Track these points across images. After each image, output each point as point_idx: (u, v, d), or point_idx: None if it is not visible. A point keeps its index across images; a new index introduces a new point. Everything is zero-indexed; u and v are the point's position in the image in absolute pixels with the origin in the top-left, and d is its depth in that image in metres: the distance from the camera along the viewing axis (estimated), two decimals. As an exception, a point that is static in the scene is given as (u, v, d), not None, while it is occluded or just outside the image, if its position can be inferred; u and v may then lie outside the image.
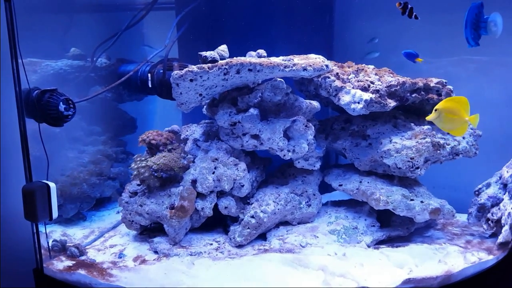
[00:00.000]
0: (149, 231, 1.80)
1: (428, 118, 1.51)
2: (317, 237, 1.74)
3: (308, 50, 1.93)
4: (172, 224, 1.61)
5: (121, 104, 2.39)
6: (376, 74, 1.79)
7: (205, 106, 1.88)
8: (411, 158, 1.67)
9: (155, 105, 2.67)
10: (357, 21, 2.50)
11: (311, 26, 2.33)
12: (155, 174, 1.61)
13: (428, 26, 2.21)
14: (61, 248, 1.68)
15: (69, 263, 1.61)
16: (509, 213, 1.73)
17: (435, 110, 1.49)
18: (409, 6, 1.59)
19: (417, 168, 1.68)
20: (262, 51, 1.86)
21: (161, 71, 1.90)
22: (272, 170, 2.03)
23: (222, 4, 2.25)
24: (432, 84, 1.78)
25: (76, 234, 1.89)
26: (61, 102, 1.56)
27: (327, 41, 2.43)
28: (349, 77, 1.78)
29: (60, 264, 1.61)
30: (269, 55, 1.82)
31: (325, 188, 2.08)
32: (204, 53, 1.63)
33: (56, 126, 1.59)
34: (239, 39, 2.15)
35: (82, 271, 1.55)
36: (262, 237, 1.80)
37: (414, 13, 1.60)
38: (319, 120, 2.05)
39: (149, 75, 1.94)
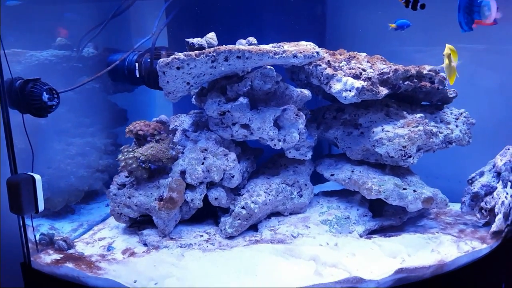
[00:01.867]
0: (139, 223, 1.78)
1: (446, 65, 1.57)
2: (309, 227, 1.72)
3: (300, 39, 1.89)
4: (161, 216, 1.58)
5: (111, 95, 2.34)
6: (368, 62, 1.75)
7: (194, 96, 1.85)
8: (403, 147, 1.64)
9: (147, 96, 2.62)
10: (350, 9, 2.46)
11: (304, 14, 2.29)
12: (143, 165, 1.58)
13: (422, 14, 2.18)
14: (49, 242, 1.65)
15: (57, 256, 1.59)
16: (502, 202, 1.71)
17: (449, 55, 1.56)
18: None
19: (410, 156, 1.66)
20: (252, 39, 1.82)
21: (149, 60, 1.86)
22: (263, 161, 2.00)
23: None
24: (425, 72, 1.75)
25: (64, 227, 1.87)
26: (44, 92, 1.52)
27: (320, 29, 2.39)
28: (341, 64, 1.75)
29: (48, 257, 1.58)
30: (260, 44, 1.78)
31: (318, 178, 2.06)
32: (191, 40, 1.59)
33: (40, 116, 1.55)
34: (229, 27, 2.10)
35: (70, 265, 1.52)
36: (254, 228, 1.77)
37: (420, 3, 1.52)
38: (311, 109, 2.02)
39: (136, 64, 1.89)
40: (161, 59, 1.53)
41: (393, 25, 1.78)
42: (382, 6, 2.21)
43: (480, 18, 1.52)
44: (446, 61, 1.55)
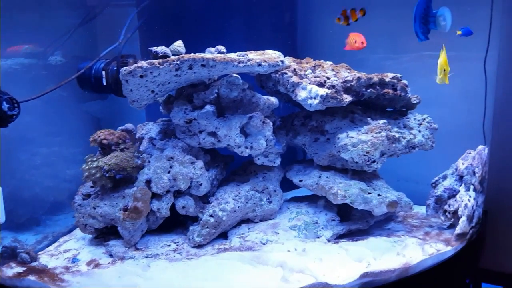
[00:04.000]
0: (105, 234, 1.75)
1: (440, 80, 1.63)
2: (278, 233, 1.73)
3: (271, 47, 1.91)
4: (126, 226, 1.56)
5: (85, 103, 2.31)
6: (332, 70, 1.79)
7: (161, 104, 1.84)
8: (366, 152, 1.67)
9: (121, 104, 2.59)
10: (320, 17, 2.51)
11: (274, 22, 2.32)
12: (107, 174, 1.56)
13: (390, 23, 2.24)
14: (11, 254, 1.61)
15: (19, 269, 1.54)
16: (465, 205, 1.76)
17: (444, 70, 1.60)
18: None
19: (373, 161, 1.69)
20: (221, 47, 1.83)
21: (115, 68, 1.85)
22: (235, 168, 2.01)
23: (182, 0, 2.21)
24: (387, 79, 1.80)
25: (28, 239, 1.81)
26: (4, 102, 1.49)
27: (291, 37, 2.42)
28: (306, 73, 1.78)
29: (10, 270, 1.53)
30: (231, 52, 1.79)
31: (291, 184, 2.07)
32: (154, 49, 1.59)
33: (0, 126, 1.51)
34: (200, 35, 2.11)
35: (32, 277, 1.48)
36: (224, 236, 1.77)
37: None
38: (281, 116, 2.04)
39: (103, 72, 1.88)
40: (124, 68, 1.52)
41: (459, 32, 1.84)
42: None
43: (435, 28, 1.57)
44: (441, 75, 1.63)
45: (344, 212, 1.85)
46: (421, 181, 2.07)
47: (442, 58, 1.60)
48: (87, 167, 1.61)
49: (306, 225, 1.75)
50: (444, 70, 1.58)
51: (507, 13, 2.10)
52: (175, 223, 1.79)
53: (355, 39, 1.67)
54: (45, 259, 1.64)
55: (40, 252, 1.70)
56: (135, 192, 1.56)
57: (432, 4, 1.58)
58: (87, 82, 1.95)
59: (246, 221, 1.82)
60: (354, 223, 1.79)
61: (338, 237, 1.76)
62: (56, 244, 1.79)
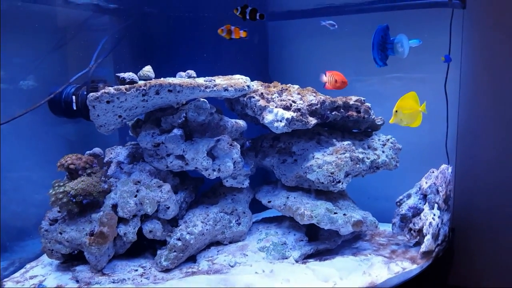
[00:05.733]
0: (73, 259, 1.73)
1: (392, 121, 1.67)
2: (247, 255, 1.74)
3: (244, 71, 1.97)
4: (92, 251, 1.55)
5: (57, 127, 2.30)
6: (298, 94, 1.85)
7: (130, 128, 1.86)
8: (331, 173, 1.72)
9: (94, 126, 2.60)
10: (292, 40, 2.59)
11: (246, 45, 2.38)
12: (74, 199, 1.56)
13: (358, 47, 2.33)
14: (-26, 283, 1.58)
15: (-18, 298, 1.52)
16: (430, 223, 1.81)
17: (396, 111, 1.64)
18: (249, 8, 1.47)
19: (338, 182, 1.74)
20: (191, 72, 1.87)
21: (85, 93, 1.87)
22: (205, 190, 2.02)
23: (154, 25, 2.26)
24: (351, 102, 1.86)
25: (-7, 266, 1.79)
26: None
27: (262, 61, 2.49)
28: (273, 96, 1.83)
29: (-28, 300, 1.50)
30: (202, 76, 1.83)
31: (263, 205, 2.09)
32: (122, 75, 1.62)
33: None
34: (172, 59, 2.16)
35: (-6, 307, 1.46)
36: (193, 259, 1.77)
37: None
38: (251, 138, 2.08)
39: (74, 97, 1.89)
40: (91, 94, 1.54)
41: (443, 58, 1.95)
42: (324, 37, 2.34)
43: (393, 54, 1.66)
44: (395, 116, 1.65)
45: (312, 232, 1.87)
46: (391, 199, 2.12)
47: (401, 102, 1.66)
48: (53, 192, 1.60)
49: (275, 246, 1.77)
50: (396, 111, 1.65)
51: (466, 38, 2.22)
52: (144, 247, 1.78)
53: (335, 79, 1.72)
54: (10, 285, 1.61)
55: (5, 279, 1.66)
56: (101, 217, 1.56)
57: (389, 32, 1.67)
58: (58, 107, 1.96)
59: (216, 243, 1.83)
60: (322, 243, 1.82)
61: (306, 257, 1.78)
62: (22, 270, 1.76)
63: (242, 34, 1.54)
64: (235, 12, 1.47)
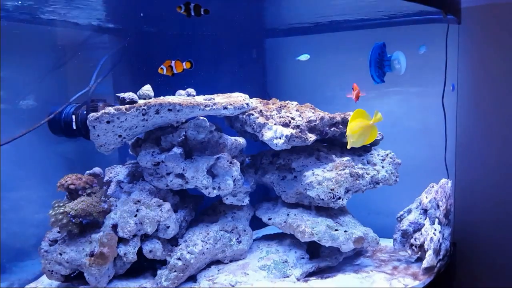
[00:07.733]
0: (73, 279, 1.71)
1: (349, 146, 1.59)
2: (248, 274, 1.73)
3: (243, 87, 1.98)
4: (92, 272, 1.54)
5: (58, 146, 2.30)
6: (297, 110, 1.86)
7: (130, 147, 1.87)
8: (331, 189, 1.72)
9: (94, 145, 2.60)
10: (289, 55, 2.62)
11: (246, 64, 2.41)
12: (73, 220, 1.55)
13: (356, 61, 2.36)
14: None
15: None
16: (431, 238, 1.81)
17: (346, 136, 1.57)
18: (192, 4, 1.39)
19: (339, 198, 1.74)
20: (191, 90, 1.89)
21: (85, 112, 1.88)
22: (205, 208, 2.01)
23: (154, 44, 2.28)
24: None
25: (-8, 288, 1.77)
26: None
27: (260, 77, 2.51)
28: (272, 113, 1.84)
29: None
30: (201, 94, 1.84)
31: (263, 222, 2.08)
32: (122, 95, 1.63)
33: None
34: (171, 77, 2.17)
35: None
36: (193, 278, 1.75)
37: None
38: (251, 155, 2.08)
39: (73, 116, 1.90)
40: (91, 114, 1.55)
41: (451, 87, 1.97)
42: (321, 52, 2.37)
43: (390, 71, 1.67)
44: (349, 141, 1.58)
45: (314, 249, 1.86)
46: (391, 215, 2.12)
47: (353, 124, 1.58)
48: (53, 212, 1.60)
49: (276, 264, 1.76)
50: (346, 135, 1.58)
51: (462, 52, 2.25)
52: (145, 267, 1.77)
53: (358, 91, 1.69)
54: (9, 309, 1.60)
55: (3, 302, 1.65)
56: (101, 237, 1.55)
57: (386, 49, 1.69)
58: (58, 126, 1.97)
59: (216, 262, 1.82)
60: (323, 260, 1.81)
61: (308, 275, 1.77)
62: (21, 292, 1.75)
63: (186, 65, 1.50)
64: (178, 10, 1.39)
